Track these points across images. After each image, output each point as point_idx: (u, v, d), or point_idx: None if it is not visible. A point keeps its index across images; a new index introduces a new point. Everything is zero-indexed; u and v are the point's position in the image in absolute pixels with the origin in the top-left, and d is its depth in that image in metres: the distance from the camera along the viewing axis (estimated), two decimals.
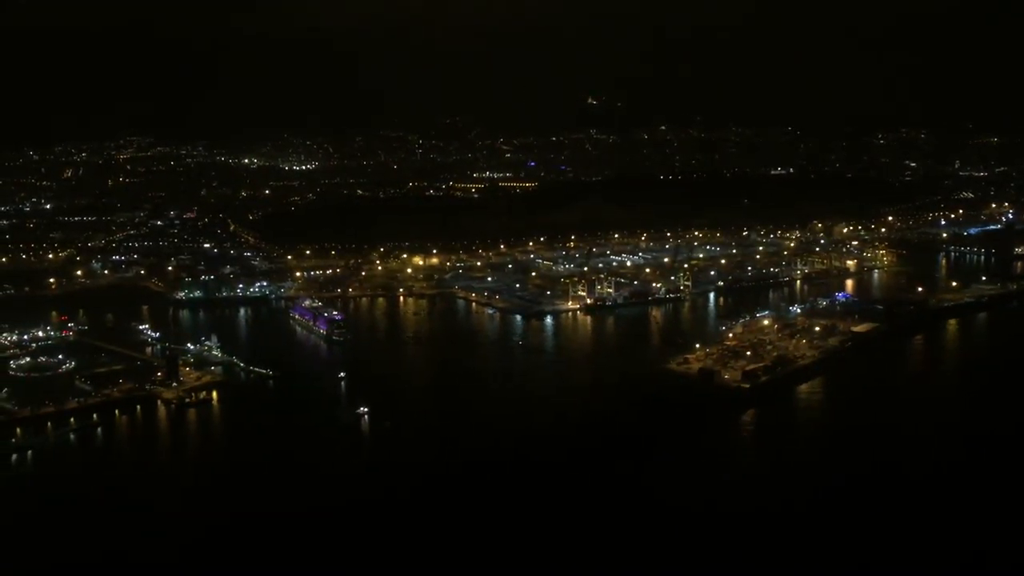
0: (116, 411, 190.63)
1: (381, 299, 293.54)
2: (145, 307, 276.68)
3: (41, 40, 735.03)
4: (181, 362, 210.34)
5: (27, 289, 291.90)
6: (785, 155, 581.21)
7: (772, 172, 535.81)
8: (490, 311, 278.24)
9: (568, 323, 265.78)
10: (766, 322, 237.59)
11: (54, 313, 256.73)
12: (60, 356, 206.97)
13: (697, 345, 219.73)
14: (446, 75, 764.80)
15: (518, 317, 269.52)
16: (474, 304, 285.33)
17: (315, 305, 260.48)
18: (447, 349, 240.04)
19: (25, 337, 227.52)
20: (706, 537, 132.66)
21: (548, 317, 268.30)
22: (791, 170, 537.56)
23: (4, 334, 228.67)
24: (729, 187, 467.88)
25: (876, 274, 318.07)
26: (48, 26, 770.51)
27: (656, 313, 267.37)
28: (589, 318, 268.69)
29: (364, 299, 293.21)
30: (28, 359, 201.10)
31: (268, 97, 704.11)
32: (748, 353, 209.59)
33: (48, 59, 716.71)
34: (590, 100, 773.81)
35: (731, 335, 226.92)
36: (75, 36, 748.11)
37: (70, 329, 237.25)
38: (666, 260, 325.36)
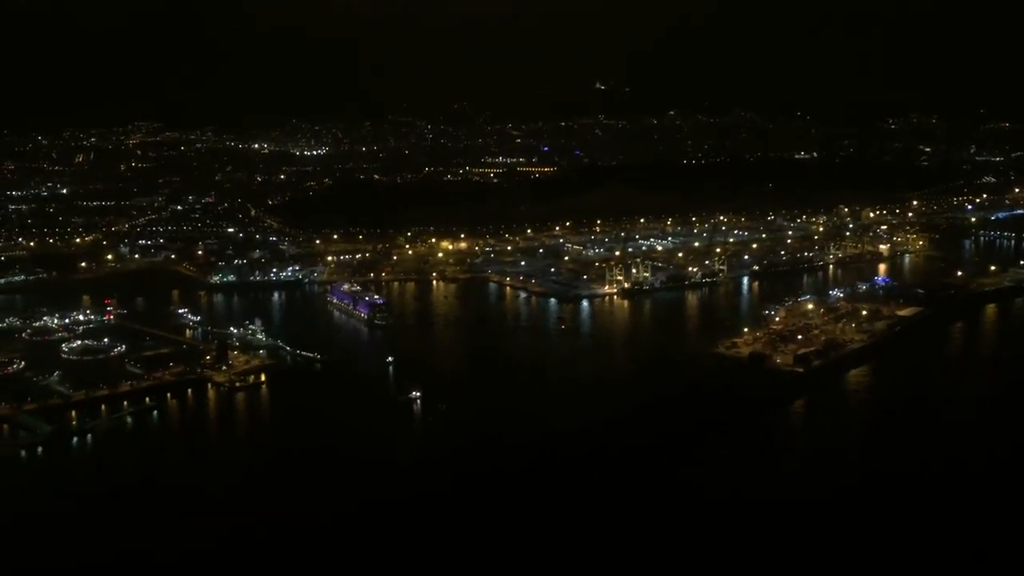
0: (168, 394, 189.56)
1: (411, 283, 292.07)
2: (176, 291, 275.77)
3: (46, 26, 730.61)
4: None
5: (54, 273, 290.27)
6: (797, 140, 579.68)
7: (796, 157, 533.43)
8: (523, 295, 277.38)
9: (607, 307, 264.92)
10: (810, 306, 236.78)
11: (86, 297, 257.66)
12: (106, 339, 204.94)
13: (745, 329, 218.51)
14: (450, 61, 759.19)
15: (554, 301, 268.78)
16: (508, 288, 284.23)
17: (354, 289, 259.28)
18: (489, 333, 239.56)
19: (66, 320, 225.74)
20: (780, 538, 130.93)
21: (585, 301, 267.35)
22: (814, 154, 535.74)
23: (46, 317, 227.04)
24: (752, 172, 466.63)
25: (908, 258, 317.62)
26: (52, 12, 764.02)
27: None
28: (626, 302, 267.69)
29: (396, 283, 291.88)
30: (79, 342, 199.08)
31: (273, 83, 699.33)
32: (799, 337, 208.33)
33: (52, 45, 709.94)
34: (598, 86, 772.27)
35: (777, 319, 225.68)
36: (79, 22, 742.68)
37: (111, 312, 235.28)
38: (696, 244, 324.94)
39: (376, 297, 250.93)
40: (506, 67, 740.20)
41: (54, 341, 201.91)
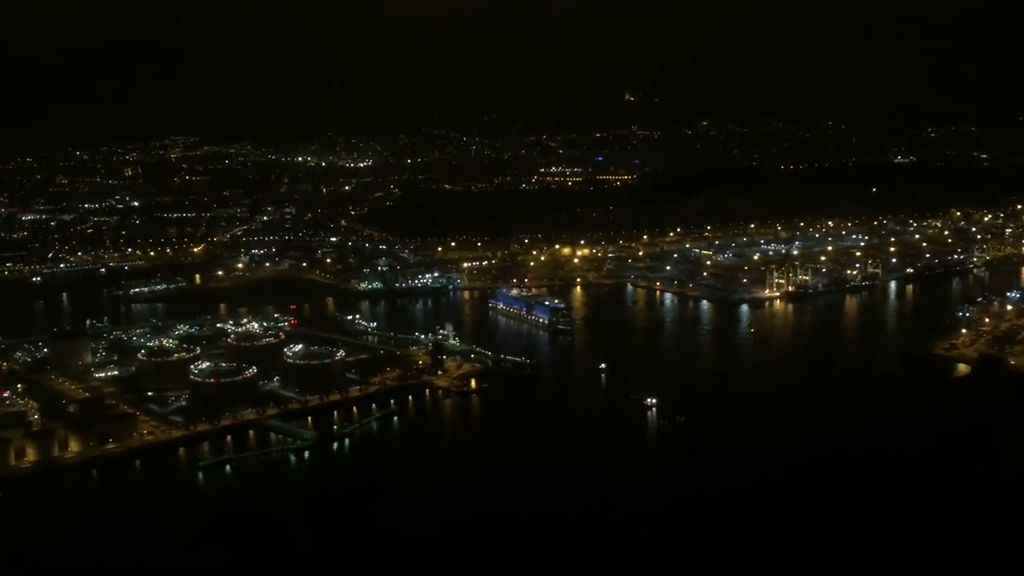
0: (391, 400, 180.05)
1: (544, 288, 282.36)
2: (314, 299, 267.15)
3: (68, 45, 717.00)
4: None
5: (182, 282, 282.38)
6: (840, 148, 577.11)
7: (894, 161, 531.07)
8: (671, 298, 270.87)
9: (776, 311, 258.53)
10: (1009, 307, 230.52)
11: (223, 305, 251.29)
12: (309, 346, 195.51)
13: (964, 330, 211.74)
14: (470, 73, 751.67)
15: (705, 304, 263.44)
16: (658, 292, 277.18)
17: (526, 294, 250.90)
18: (678, 338, 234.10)
19: (251, 327, 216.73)
20: None
21: (744, 305, 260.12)
22: (913, 159, 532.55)
23: (219, 323, 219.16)
24: (841, 176, 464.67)
25: None
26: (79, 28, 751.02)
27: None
28: (790, 306, 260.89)
29: (532, 289, 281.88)
30: (300, 347, 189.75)
31: (302, 94, 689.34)
32: None
33: (75, 62, 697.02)
34: (628, 97, 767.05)
35: (986, 320, 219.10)
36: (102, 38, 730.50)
37: (295, 319, 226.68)
38: (829, 248, 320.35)
39: (557, 302, 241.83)
40: (521, 78, 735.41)
41: (264, 346, 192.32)
